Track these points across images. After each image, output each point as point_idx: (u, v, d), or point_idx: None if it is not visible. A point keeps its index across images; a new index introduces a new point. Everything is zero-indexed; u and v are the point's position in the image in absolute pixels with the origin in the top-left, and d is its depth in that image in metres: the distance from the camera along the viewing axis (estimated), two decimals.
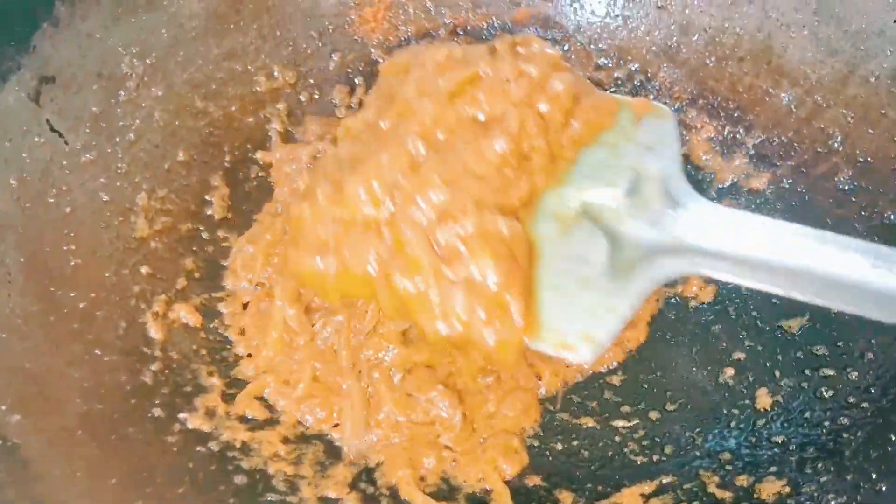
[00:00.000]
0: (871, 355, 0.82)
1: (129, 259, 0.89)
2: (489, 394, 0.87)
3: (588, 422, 0.86)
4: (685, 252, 0.72)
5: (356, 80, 1.08)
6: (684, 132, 1.03)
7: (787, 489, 0.75)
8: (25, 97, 0.85)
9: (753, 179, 0.98)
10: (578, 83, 0.80)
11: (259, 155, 1.01)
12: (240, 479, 0.78)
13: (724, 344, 0.89)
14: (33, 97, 0.85)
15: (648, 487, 0.79)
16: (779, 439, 0.80)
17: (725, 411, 0.84)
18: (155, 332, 0.86)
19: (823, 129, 0.94)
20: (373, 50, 1.10)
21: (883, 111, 0.90)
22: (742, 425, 0.83)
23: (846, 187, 0.92)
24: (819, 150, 0.94)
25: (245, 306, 0.91)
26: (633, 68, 1.08)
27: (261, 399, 0.86)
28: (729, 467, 0.80)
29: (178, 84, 0.98)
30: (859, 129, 0.92)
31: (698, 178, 1.01)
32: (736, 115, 1.02)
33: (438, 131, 0.74)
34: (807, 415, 0.81)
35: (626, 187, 0.76)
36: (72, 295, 0.83)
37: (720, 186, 1.00)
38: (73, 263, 0.84)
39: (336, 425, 0.84)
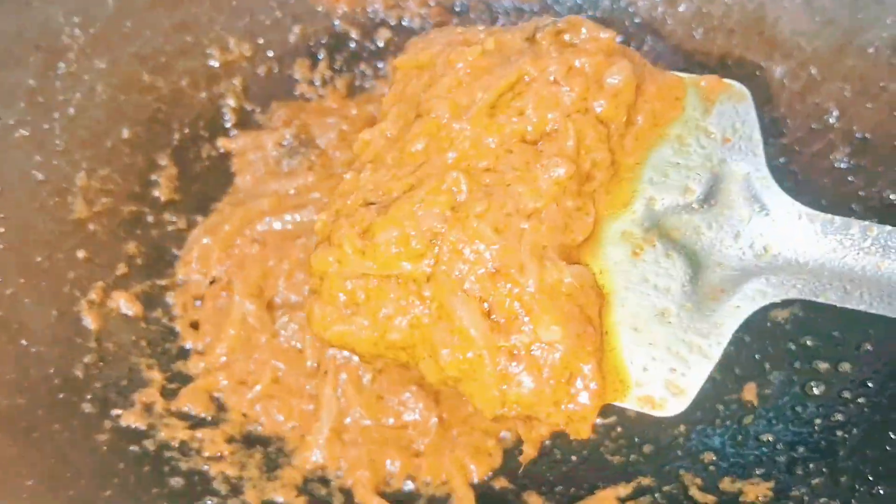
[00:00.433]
0: (869, 346, 0.78)
1: (65, 243, 0.84)
2: None
3: None
4: (779, 270, 0.64)
5: (319, 55, 1.04)
6: None
7: (775, 492, 0.72)
8: None
9: None
10: (638, 69, 0.68)
11: (220, 143, 0.97)
12: (176, 482, 0.74)
13: None
14: None
15: (625, 490, 0.76)
16: (767, 437, 0.76)
17: (709, 407, 0.80)
18: (90, 321, 0.81)
19: (818, 104, 0.90)
20: (337, 22, 1.04)
21: (882, 84, 0.86)
22: (727, 422, 0.79)
23: (843, 165, 0.87)
24: (814, 126, 0.90)
25: (198, 299, 0.88)
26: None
27: (207, 395, 0.81)
28: (712, 468, 0.76)
29: (123, 57, 0.93)
30: (857, 104, 0.87)
31: None
32: None
33: (481, 161, 0.63)
34: (797, 410, 0.77)
35: (701, 192, 0.67)
36: None
37: None
38: (0, 247, 0.79)
39: (294, 427, 0.81)
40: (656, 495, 0.75)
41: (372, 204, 0.62)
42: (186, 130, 0.96)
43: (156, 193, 0.92)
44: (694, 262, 0.65)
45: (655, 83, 0.69)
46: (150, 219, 0.90)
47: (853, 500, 0.69)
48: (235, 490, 0.75)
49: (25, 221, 0.82)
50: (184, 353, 0.84)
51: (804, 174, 0.89)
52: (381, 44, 1.04)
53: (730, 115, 0.71)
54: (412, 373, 0.79)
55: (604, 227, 0.65)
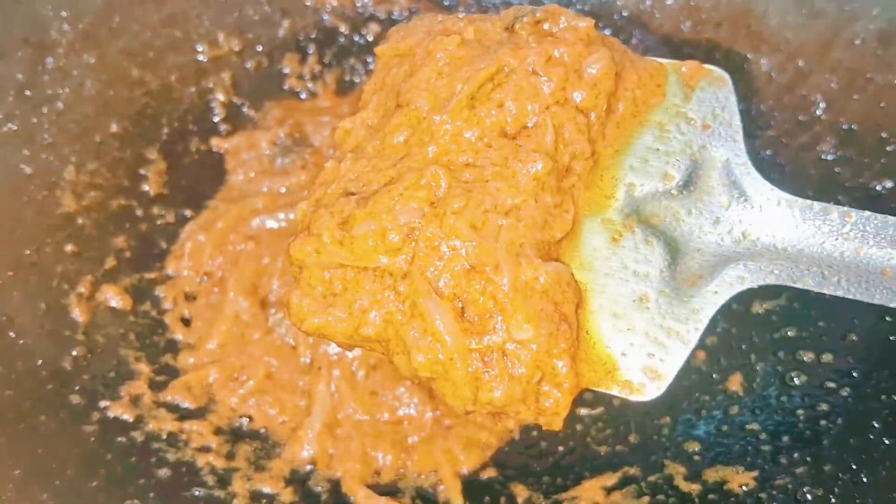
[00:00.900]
0: (854, 336, 0.78)
1: (53, 236, 0.84)
2: None
3: None
4: (757, 256, 0.64)
5: (308, 50, 1.03)
6: None
7: (759, 481, 0.71)
8: None
9: None
10: (618, 57, 0.67)
11: (215, 143, 0.97)
12: (163, 472, 0.74)
13: None
14: None
15: (611, 480, 0.76)
16: (751, 427, 0.76)
17: (695, 397, 0.80)
18: (78, 314, 0.81)
19: (805, 97, 0.90)
20: (326, 17, 1.04)
21: (869, 76, 0.86)
22: (713, 412, 0.79)
23: (830, 157, 0.87)
24: (801, 118, 0.90)
25: (188, 295, 0.88)
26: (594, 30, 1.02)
27: (196, 388, 0.82)
28: (697, 458, 0.76)
29: (112, 52, 0.93)
30: (844, 96, 0.87)
31: None
32: None
33: (461, 155, 0.62)
34: (782, 400, 0.77)
35: (681, 178, 0.66)
36: None
37: None
38: None
39: (284, 422, 0.81)
40: (642, 484, 0.75)
41: (352, 194, 0.62)
42: (175, 125, 0.96)
43: (144, 187, 0.91)
44: (673, 248, 0.65)
45: (636, 70, 0.69)
46: (138, 213, 0.90)
47: (836, 489, 0.69)
48: (223, 481, 0.75)
49: (14, 215, 0.82)
50: (172, 347, 0.84)
51: (791, 166, 0.89)
52: (370, 38, 1.04)
53: (710, 102, 0.70)
54: None
55: (584, 222, 0.65)
